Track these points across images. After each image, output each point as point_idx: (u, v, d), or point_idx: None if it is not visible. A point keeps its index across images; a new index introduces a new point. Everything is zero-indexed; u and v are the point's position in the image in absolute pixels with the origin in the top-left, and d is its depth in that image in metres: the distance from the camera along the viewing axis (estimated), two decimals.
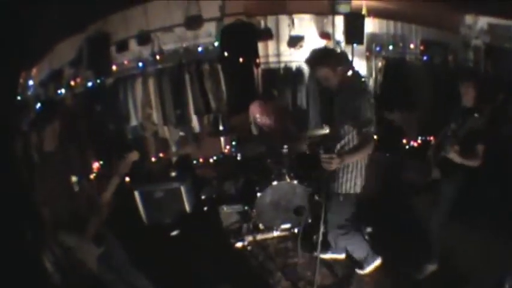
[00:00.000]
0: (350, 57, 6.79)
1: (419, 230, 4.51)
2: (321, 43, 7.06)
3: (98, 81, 6.22)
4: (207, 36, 6.90)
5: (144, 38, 6.47)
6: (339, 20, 6.96)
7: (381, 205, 5.48)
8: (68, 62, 5.78)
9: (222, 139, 7.48)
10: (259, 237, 5.45)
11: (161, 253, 4.96)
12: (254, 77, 7.23)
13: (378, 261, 4.51)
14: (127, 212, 5.58)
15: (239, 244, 5.35)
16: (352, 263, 4.66)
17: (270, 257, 5.08)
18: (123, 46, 6.37)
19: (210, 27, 6.88)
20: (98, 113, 6.27)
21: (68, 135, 3.39)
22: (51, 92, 5.49)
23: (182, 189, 5.83)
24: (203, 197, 6.49)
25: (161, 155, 7.11)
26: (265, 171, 5.62)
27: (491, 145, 3.83)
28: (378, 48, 7.22)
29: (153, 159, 7.03)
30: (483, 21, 6.26)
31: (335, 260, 4.80)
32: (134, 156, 3.31)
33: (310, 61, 3.99)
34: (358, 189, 4.06)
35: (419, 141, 7.45)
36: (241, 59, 6.92)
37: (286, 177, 5.38)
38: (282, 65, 7.34)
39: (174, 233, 5.65)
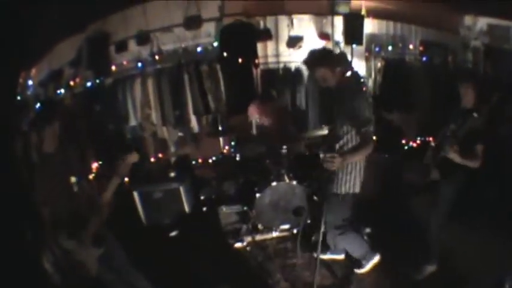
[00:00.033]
0: (349, 58, 6.80)
1: (418, 230, 4.52)
2: (320, 43, 7.05)
3: (97, 81, 6.21)
4: (206, 37, 6.90)
5: (143, 38, 6.47)
6: (338, 21, 6.97)
7: (380, 206, 5.48)
8: (67, 62, 5.77)
9: (221, 139, 7.47)
10: (258, 237, 5.45)
11: (160, 253, 4.95)
12: (253, 78, 7.23)
13: (376, 258, 4.53)
14: (126, 213, 5.58)
15: (238, 244, 5.35)
16: (351, 263, 4.66)
17: (269, 258, 5.08)
18: (122, 46, 6.37)
19: (209, 28, 6.88)
20: (97, 113, 6.27)
21: (68, 135, 3.39)
22: (51, 92, 5.48)
23: (181, 189, 5.83)
24: (202, 198, 6.48)
25: (160, 155, 7.10)
26: (264, 172, 5.62)
27: (490, 145, 3.84)
28: (377, 49, 7.23)
29: (152, 159, 7.02)
30: (482, 22, 6.27)
31: (334, 261, 4.80)
32: (134, 157, 3.31)
33: (308, 62, 4.00)
34: (357, 190, 4.07)
35: (418, 141, 7.45)
36: (240, 60, 6.92)
37: (286, 177, 5.38)
38: (281, 65, 7.35)
39: (173, 233, 5.65)
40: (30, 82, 4.96)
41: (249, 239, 5.42)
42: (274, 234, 5.49)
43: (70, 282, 3.11)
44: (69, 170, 3.28)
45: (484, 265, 4.24)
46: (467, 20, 6.50)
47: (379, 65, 7.26)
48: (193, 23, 6.60)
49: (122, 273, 3.54)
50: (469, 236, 4.86)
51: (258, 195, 5.27)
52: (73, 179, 3.26)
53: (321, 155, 3.80)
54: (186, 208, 5.92)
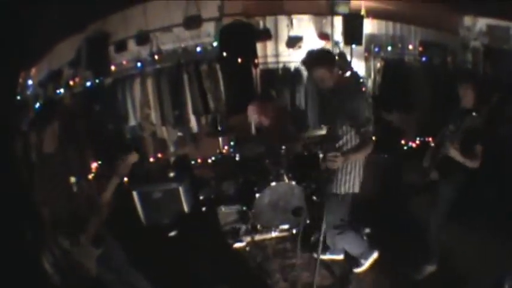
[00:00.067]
0: (349, 58, 6.82)
1: (417, 230, 4.53)
2: (320, 44, 7.06)
3: (97, 81, 6.20)
4: (206, 37, 6.89)
5: (142, 38, 6.46)
6: (338, 21, 6.97)
7: (380, 206, 5.48)
8: (67, 62, 5.76)
9: (220, 139, 7.45)
10: (257, 237, 5.46)
11: (159, 253, 4.95)
12: (253, 78, 7.23)
13: (375, 255, 4.55)
14: (125, 213, 5.57)
15: (237, 245, 5.36)
16: (350, 262, 4.67)
17: (268, 258, 5.08)
18: (121, 46, 6.36)
19: (209, 28, 6.87)
20: (96, 113, 6.26)
21: (67, 135, 3.38)
22: (50, 92, 5.48)
23: (180, 189, 5.83)
24: (201, 198, 6.47)
25: (159, 155, 7.09)
26: (263, 172, 5.62)
27: (489, 146, 3.84)
28: (376, 49, 7.23)
29: (151, 159, 7.01)
30: (482, 23, 6.28)
31: (333, 261, 4.80)
32: (133, 157, 3.30)
33: (306, 62, 4.00)
34: (356, 189, 4.09)
35: (417, 142, 7.46)
36: (239, 59, 6.91)
37: (285, 177, 5.38)
38: (281, 65, 7.33)
39: (173, 233, 5.65)
40: (30, 82, 4.95)
41: (248, 239, 5.42)
42: (274, 234, 5.49)
43: (70, 282, 3.11)
44: (68, 170, 3.28)
45: (484, 265, 4.25)
46: (467, 20, 6.51)
47: (378, 65, 7.26)
48: (193, 23, 6.60)
49: (122, 273, 3.53)
50: (469, 236, 4.87)
51: (257, 195, 5.28)
52: (73, 179, 3.25)
53: (323, 154, 3.81)
54: (185, 208, 5.92)
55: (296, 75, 7.26)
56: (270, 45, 7.27)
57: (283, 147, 5.52)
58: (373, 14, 6.86)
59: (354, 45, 6.81)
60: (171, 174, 6.16)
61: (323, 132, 5.00)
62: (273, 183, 5.29)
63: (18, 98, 4.62)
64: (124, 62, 6.52)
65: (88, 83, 6.12)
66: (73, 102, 5.87)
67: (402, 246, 4.80)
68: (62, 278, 3.08)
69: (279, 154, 5.55)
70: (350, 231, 4.37)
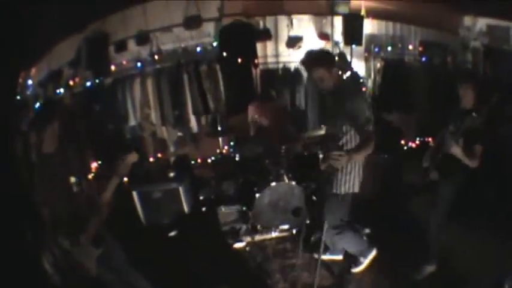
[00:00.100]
0: (349, 58, 6.82)
1: (417, 230, 4.52)
2: (320, 44, 7.06)
3: (97, 81, 6.20)
4: (206, 37, 6.89)
5: (142, 38, 6.46)
6: (338, 21, 6.97)
7: (380, 206, 5.48)
8: (67, 62, 5.76)
9: (220, 139, 7.46)
10: (257, 238, 5.46)
11: (159, 253, 4.95)
12: (253, 78, 7.23)
13: (373, 253, 4.57)
14: (125, 213, 5.57)
15: (237, 245, 5.36)
16: (349, 261, 4.68)
17: (268, 258, 5.08)
18: (121, 46, 6.35)
19: (209, 28, 6.88)
20: (96, 113, 6.26)
21: (67, 135, 3.38)
22: (50, 92, 5.48)
23: (180, 189, 5.83)
24: (201, 198, 6.48)
25: (159, 155, 7.09)
26: (263, 172, 5.61)
27: (489, 146, 3.84)
28: (376, 49, 7.23)
29: (151, 159, 7.01)
30: (482, 23, 6.28)
31: (333, 261, 4.80)
32: (133, 157, 3.30)
33: (305, 62, 4.00)
34: (356, 189, 4.09)
35: (417, 142, 7.46)
36: (239, 60, 6.92)
37: (285, 177, 5.38)
38: (281, 65, 7.34)
39: (172, 233, 5.64)
40: (29, 82, 4.95)
41: (248, 239, 5.42)
42: (274, 234, 5.49)
43: (70, 282, 3.11)
44: (68, 170, 3.28)
45: (484, 265, 4.25)
46: (467, 20, 6.51)
47: (378, 65, 7.26)
48: (192, 23, 6.59)
49: (122, 273, 3.53)
50: (469, 236, 4.87)
51: (257, 195, 5.27)
52: (73, 179, 3.25)
53: (324, 154, 3.82)
54: (185, 208, 5.92)
55: (296, 75, 7.26)
56: (270, 45, 7.28)
57: (283, 147, 5.51)
58: (373, 14, 6.86)
59: (354, 45, 6.81)
60: (171, 174, 6.16)
61: (323, 132, 5.00)
62: (273, 184, 5.29)
63: (18, 98, 4.62)
64: (124, 62, 6.52)
65: (88, 83, 6.12)
66: (73, 102, 5.86)
67: (402, 246, 4.81)
68: (61, 278, 3.08)
69: (278, 154, 5.54)
70: (349, 231, 4.38)
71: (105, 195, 3.22)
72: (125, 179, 5.54)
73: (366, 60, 7.41)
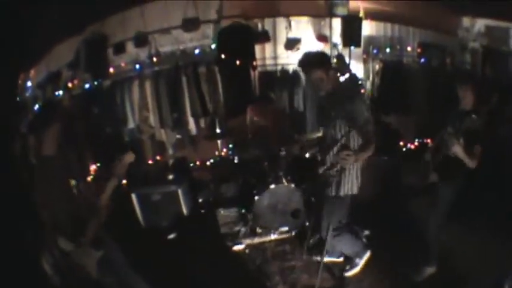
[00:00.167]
0: (347, 60, 6.81)
1: (417, 231, 4.51)
2: (318, 46, 7.06)
3: (95, 83, 6.20)
4: (204, 39, 6.88)
5: (141, 40, 6.44)
6: (336, 23, 6.96)
7: (379, 207, 5.48)
8: (66, 64, 5.76)
9: (219, 142, 7.45)
10: (256, 240, 5.45)
11: (158, 256, 4.93)
12: (251, 80, 7.22)
13: (368, 254, 4.58)
14: (124, 215, 5.55)
15: (237, 247, 5.34)
16: (346, 264, 4.67)
17: (267, 260, 5.06)
18: (120, 48, 6.34)
19: (207, 30, 6.85)
20: (95, 115, 6.25)
21: (66, 138, 3.37)
22: (49, 93, 5.48)
23: (179, 192, 5.81)
24: (200, 200, 6.47)
25: (158, 157, 7.07)
26: (262, 174, 5.61)
27: (489, 146, 3.83)
28: (375, 51, 7.24)
29: (150, 161, 7.00)
30: (480, 24, 6.29)
31: (334, 263, 4.79)
32: (130, 157, 3.28)
33: (303, 64, 3.99)
34: (355, 191, 4.08)
35: (416, 143, 7.46)
36: (238, 62, 6.90)
37: (284, 180, 5.37)
38: (279, 67, 7.31)
39: (172, 235, 5.62)
40: (29, 83, 4.95)
41: (247, 241, 5.41)
42: (273, 236, 5.48)
43: (69, 283, 3.10)
44: (68, 172, 3.27)
45: (484, 265, 4.25)
46: (466, 21, 6.53)
47: (377, 67, 7.27)
48: (191, 24, 6.58)
49: (121, 276, 3.52)
50: (469, 236, 4.87)
51: (256, 197, 5.27)
52: (72, 182, 3.24)
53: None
54: (184, 210, 5.90)
55: (294, 77, 7.25)
56: (268, 47, 7.26)
57: (282, 149, 5.51)
58: (372, 15, 6.86)
59: (352, 47, 6.80)
60: (170, 177, 6.15)
61: (320, 134, 5.00)
62: (272, 186, 5.29)
63: (18, 99, 4.62)
64: (122, 64, 6.51)
65: (87, 85, 6.12)
66: (72, 104, 5.87)
67: (402, 247, 4.81)
68: (61, 279, 3.07)
69: (277, 156, 5.54)
70: (347, 233, 4.38)
71: (103, 197, 3.20)
72: (124, 181, 5.54)
73: (365, 61, 7.40)
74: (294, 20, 7.09)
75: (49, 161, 3.18)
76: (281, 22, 7.11)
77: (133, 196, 5.69)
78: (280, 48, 7.26)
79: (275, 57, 7.31)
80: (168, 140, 7.09)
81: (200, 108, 6.90)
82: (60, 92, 5.67)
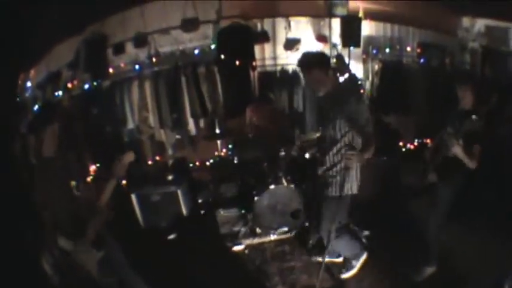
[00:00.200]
0: (347, 60, 6.81)
1: (417, 231, 4.51)
2: (318, 46, 7.06)
3: (95, 83, 6.20)
4: (204, 39, 6.88)
5: (140, 41, 6.44)
6: (336, 23, 6.96)
7: (379, 207, 5.48)
8: (65, 64, 5.76)
9: (218, 142, 7.44)
10: (256, 240, 5.44)
11: (158, 256, 4.93)
12: (250, 80, 7.22)
13: (364, 256, 4.57)
14: (124, 215, 5.55)
15: (236, 248, 5.34)
16: (342, 266, 4.66)
17: (267, 261, 5.06)
18: (119, 48, 6.34)
19: (207, 30, 6.85)
20: (94, 115, 6.24)
21: (66, 138, 3.37)
22: (49, 93, 5.47)
23: (179, 192, 5.80)
24: (200, 201, 6.46)
25: (158, 158, 7.07)
26: (262, 175, 5.60)
27: (488, 146, 3.83)
28: (374, 51, 7.24)
29: (149, 162, 6.99)
30: (480, 24, 6.30)
31: (332, 263, 4.79)
32: (130, 157, 3.28)
33: (302, 64, 3.99)
34: (354, 191, 4.07)
35: (416, 144, 7.46)
36: (237, 62, 6.90)
37: (283, 180, 5.37)
38: (279, 67, 7.32)
39: (171, 236, 5.62)
40: (28, 84, 4.95)
41: (247, 242, 5.41)
42: (272, 237, 5.47)
43: (69, 283, 3.09)
44: (68, 172, 3.27)
45: (483, 265, 4.25)
46: (465, 21, 6.53)
47: (376, 67, 7.27)
48: (190, 25, 6.58)
49: (121, 276, 3.52)
50: (469, 236, 4.87)
51: (256, 198, 5.26)
52: (72, 182, 3.24)
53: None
54: (184, 211, 5.89)
55: (294, 77, 7.25)
56: (267, 47, 7.27)
57: (282, 150, 5.51)
58: (371, 15, 6.86)
59: (351, 47, 6.80)
60: (170, 177, 6.13)
61: (318, 135, 5.00)
62: (272, 186, 5.29)
63: (18, 99, 4.62)
64: (122, 65, 6.51)
65: (86, 86, 6.12)
66: (71, 104, 5.86)
67: (402, 247, 4.81)
68: (61, 279, 3.06)
69: (277, 157, 5.54)
70: (346, 234, 4.38)
71: (103, 197, 3.20)
72: (124, 181, 5.53)
73: (364, 62, 7.40)
74: (294, 20, 7.09)
75: (49, 161, 3.18)
76: (280, 22, 7.12)
77: (133, 196, 5.68)
78: (280, 49, 7.27)
79: (274, 58, 7.32)
80: (167, 141, 7.09)
81: (200, 109, 6.90)
82: (60, 92, 5.66)
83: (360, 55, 7.30)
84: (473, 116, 3.64)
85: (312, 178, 5.57)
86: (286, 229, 5.46)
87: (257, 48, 7.17)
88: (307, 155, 5.93)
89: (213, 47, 6.90)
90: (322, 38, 7.22)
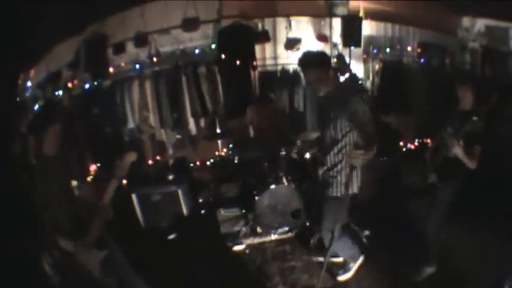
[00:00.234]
0: (347, 60, 6.81)
1: (417, 231, 4.51)
2: (318, 46, 7.06)
3: (95, 83, 6.20)
4: (204, 38, 6.88)
5: (141, 40, 6.44)
6: (337, 23, 6.96)
7: (379, 207, 5.48)
8: (66, 64, 5.77)
9: (219, 142, 7.44)
10: (256, 240, 5.44)
11: (158, 256, 4.93)
12: (251, 80, 7.21)
13: (361, 259, 4.58)
14: (124, 215, 5.54)
15: (237, 247, 5.34)
16: (339, 268, 4.64)
17: (267, 261, 5.06)
18: (120, 48, 6.34)
19: (207, 29, 6.86)
20: (95, 115, 6.25)
21: (66, 138, 3.37)
22: (49, 93, 5.48)
23: (179, 192, 5.80)
24: (200, 200, 6.46)
25: (158, 157, 7.07)
26: (262, 175, 5.60)
27: (489, 146, 3.83)
28: (375, 51, 7.24)
29: (150, 162, 6.99)
30: (480, 24, 6.30)
31: (333, 263, 4.79)
32: (132, 156, 3.27)
33: (303, 63, 3.98)
34: (355, 190, 4.06)
35: (416, 144, 7.46)
36: (238, 62, 6.89)
37: (284, 180, 5.37)
38: (279, 67, 7.32)
39: (172, 236, 5.62)
40: (28, 84, 4.95)
41: (247, 241, 5.41)
42: (273, 237, 5.47)
43: (70, 284, 3.09)
44: (68, 172, 3.26)
45: (483, 265, 4.26)
46: (465, 21, 6.53)
47: (377, 67, 7.27)
48: (191, 24, 6.58)
49: (121, 276, 3.52)
50: (469, 236, 4.88)
51: (256, 198, 5.26)
52: (74, 183, 3.24)
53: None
54: (185, 211, 5.89)
55: (295, 77, 7.24)
56: (268, 47, 7.27)
57: (282, 149, 5.51)
58: (372, 15, 6.86)
59: (352, 47, 6.81)
60: (170, 177, 6.14)
61: (317, 135, 4.99)
62: (272, 186, 5.29)
63: (18, 99, 4.62)
64: (122, 64, 6.51)
65: (86, 85, 6.12)
66: (72, 104, 5.87)
67: (402, 247, 4.81)
68: (61, 279, 3.06)
69: (277, 157, 5.54)
70: (346, 235, 4.38)
71: (105, 197, 3.19)
72: (124, 181, 5.53)
73: (365, 61, 7.40)
74: (294, 20, 7.09)
75: (49, 161, 3.17)
76: (281, 22, 7.11)
77: (134, 196, 5.68)
78: (280, 48, 7.26)
79: (275, 57, 7.32)
80: (168, 140, 7.10)
81: (200, 108, 6.90)
82: (60, 92, 5.67)
83: (360, 55, 7.30)
84: (474, 118, 3.64)
85: (312, 178, 5.59)
86: (286, 229, 5.47)
87: (258, 48, 7.16)
88: (307, 155, 5.93)
89: (213, 46, 6.89)
90: (322, 37, 7.22)
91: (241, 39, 6.89)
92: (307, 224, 5.42)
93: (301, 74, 6.95)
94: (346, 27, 6.67)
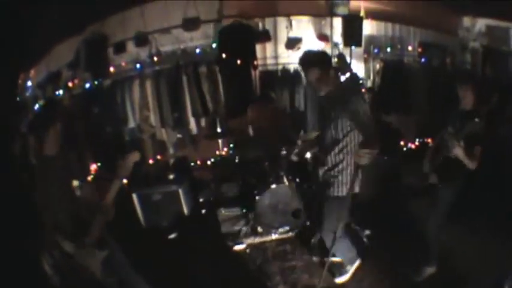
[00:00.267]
0: (348, 59, 6.81)
1: (417, 231, 4.51)
2: (319, 45, 7.05)
3: (96, 82, 6.20)
4: (205, 38, 6.88)
5: (141, 40, 6.44)
6: (337, 22, 6.96)
7: (380, 207, 5.47)
8: (66, 64, 5.77)
9: (219, 141, 7.45)
10: (257, 240, 5.44)
11: (159, 256, 4.94)
12: (252, 79, 7.21)
13: (358, 262, 4.56)
14: (125, 215, 5.55)
15: (237, 247, 5.34)
16: (336, 270, 4.63)
17: (268, 260, 5.06)
18: (120, 48, 6.34)
19: (208, 29, 6.86)
20: (95, 114, 6.25)
21: (66, 137, 3.37)
22: (49, 93, 5.48)
23: (180, 191, 5.81)
24: (201, 200, 6.47)
25: (159, 157, 7.07)
26: (263, 174, 5.60)
27: (489, 146, 3.83)
28: (376, 50, 7.24)
29: (150, 161, 7.00)
30: (481, 23, 6.29)
31: (333, 263, 4.78)
32: (135, 157, 3.26)
33: (303, 62, 3.98)
34: (356, 190, 4.06)
35: (417, 143, 7.46)
36: (239, 61, 6.89)
37: (285, 180, 5.37)
38: (280, 67, 7.32)
39: (172, 235, 5.62)
40: (29, 83, 4.95)
41: (248, 241, 5.41)
42: (274, 236, 5.47)
43: (69, 284, 3.10)
44: (69, 172, 3.26)
45: (484, 265, 4.25)
46: (466, 21, 6.53)
47: (377, 66, 7.27)
48: (191, 24, 6.58)
49: (122, 276, 3.52)
50: (469, 236, 4.87)
51: (257, 197, 5.27)
52: (75, 183, 3.24)
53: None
54: (185, 210, 5.91)
55: (295, 76, 7.24)
56: (269, 46, 7.26)
57: (283, 149, 5.51)
58: (373, 15, 6.86)
59: (353, 47, 6.81)
60: (171, 177, 6.15)
61: (320, 134, 4.98)
62: (273, 186, 5.29)
63: (18, 99, 4.62)
64: (123, 64, 6.52)
65: (87, 85, 6.12)
66: (72, 104, 5.87)
67: (402, 247, 4.80)
68: (61, 280, 3.06)
69: (278, 156, 5.54)
70: (345, 237, 4.37)
71: (108, 197, 3.19)
72: (125, 181, 5.53)
73: (365, 61, 7.41)
74: (295, 19, 7.09)
75: (50, 161, 3.17)
76: (282, 21, 7.12)
77: (134, 196, 5.69)
78: (281, 48, 7.26)
79: (276, 57, 7.32)
80: (168, 140, 7.11)
81: (201, 108, 6.91)
82: (61, 92, 5.67)
83: (361, 54, 7.31)
84: (475, 119, 3.64)
85: (313, 178, 5.59)
86: (287, 228, 5.47)
87: (258, 48, 7.16)
88: (308, 155, 5.93)
89: (214, 46, 6.89)
90: (323, 37, 7.22)
91: (242, 39, 6.89)
92: (308, 223, 5.42)
93: (302, 74, 6.97)
94: (347, 27, 6.67)
